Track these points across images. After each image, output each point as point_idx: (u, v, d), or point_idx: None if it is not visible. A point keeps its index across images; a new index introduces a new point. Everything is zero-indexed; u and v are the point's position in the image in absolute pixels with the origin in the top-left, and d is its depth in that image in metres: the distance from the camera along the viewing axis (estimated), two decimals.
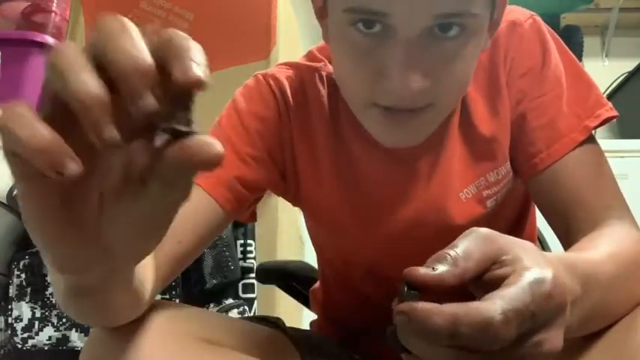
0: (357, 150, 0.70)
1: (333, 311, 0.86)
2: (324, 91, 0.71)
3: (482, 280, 0.38)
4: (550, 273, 0.37)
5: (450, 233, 0.70)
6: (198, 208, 0.64)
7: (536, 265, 0.37)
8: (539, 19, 0.69)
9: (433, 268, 0.37)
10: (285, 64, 0.74)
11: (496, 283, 0.37)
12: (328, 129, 0.70)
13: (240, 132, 0.69)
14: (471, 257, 0.38)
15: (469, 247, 0.38)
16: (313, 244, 0.84)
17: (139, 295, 0.51)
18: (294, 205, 0.78)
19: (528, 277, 0.36)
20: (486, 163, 0.68)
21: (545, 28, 0.68)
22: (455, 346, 0.35)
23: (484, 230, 0.40)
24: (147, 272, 0.53)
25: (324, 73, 0.72)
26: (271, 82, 0.71)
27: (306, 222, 0.81)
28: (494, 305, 0.34)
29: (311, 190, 0.72)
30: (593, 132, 0.65)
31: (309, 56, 0.75)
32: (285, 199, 0.77)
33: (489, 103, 0.68)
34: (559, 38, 0.69)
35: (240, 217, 0.72)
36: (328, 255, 0.82)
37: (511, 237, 0.40)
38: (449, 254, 0.37)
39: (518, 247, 0.39)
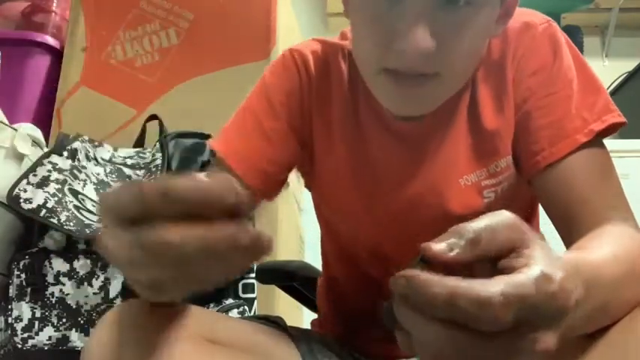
0: (369, 127, 0.73)
1: (337, 299, 0.86)
2: (345, 68, 0.75)
3: (496, 265, 0.38)
4: (560, 275, 0.37)
5: (447, 219, 0.71)
6: None
7: (549, 264, 0.37)
8: (555, 25, 0.70)
9: (451, 247, 0.37)
10: (315, 39, 0.79)
11: (506, 272, 0.37)
12: (345, 104, 0.74)
13: (265, 107, 0.74)
14: (495, 240, 0.38)
15: (497, 229, 0.38)
16: (320, 224, 0.86)
17: None
18: (307, 180, 0.82)
19: (537, 271, 0.36)
20: (488, 154, 0.69)
21: (561, 34, 0.69)
22: (450, 325, 0.34)
23: (512, 216, 0.39)
24: None
25: (347, 51, 0.76)
26: (295, 55, 0.76)
27: (314, 200, 0.84)
28: (497, 286, 0.34)
29: (322, 162, 0.76)
30: (601, 137, 0.65)
31: (341, 36, 0.79)
32: (301, 173, 0.81)
33: (496, 97, 0.69)
34: (574, 46, 0.70)
35: (270, 198, 0.77)
36: (334, 234, 0.83)
37: (534, 232, 0.40)
38: (474, 230, 0.37)
39: (538, 244, 0.39)
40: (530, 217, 0.79)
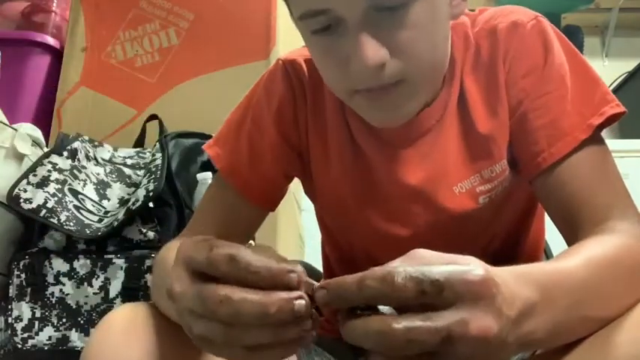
0: (360, 132, 0.73)
1: None
2: None
3: None
4: (477, 266, 0.38)
5: (440, 224, 0.71)
6: (240, 218, 0.76)
7: (467, 261, 0.38)
8: (543, 20, 0.68)
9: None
10: None
11: None
12: (337, 110, 0.74)
13: (257, 121, 0.75)
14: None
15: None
16: (320, 227, 0.86)
17: None
18: (305, 187, 0.82)
19: (451, 265, 0.38)
20: (482, 159, 0.68)
21: (551, 28, 0.68)
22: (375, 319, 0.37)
23: (419, 250, 0.40)
24: None
25: None
26: (287, 65, 0.76)
27: (314, 205, 0.84)
28: (401, 266, 0.37)
29: (318, 168, 0.76)
30: (600, 130, 0.64)
31: None
32: (301, 179, 0.81)
33: (488, 101, 0.68)
34: (565, 38, 0.68)
35: (273, 208, 0.80)
36: (332, 238, 0.84)
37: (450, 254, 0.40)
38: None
39: (452, 257, 0.40)
40: (526, 218, 0.78)
